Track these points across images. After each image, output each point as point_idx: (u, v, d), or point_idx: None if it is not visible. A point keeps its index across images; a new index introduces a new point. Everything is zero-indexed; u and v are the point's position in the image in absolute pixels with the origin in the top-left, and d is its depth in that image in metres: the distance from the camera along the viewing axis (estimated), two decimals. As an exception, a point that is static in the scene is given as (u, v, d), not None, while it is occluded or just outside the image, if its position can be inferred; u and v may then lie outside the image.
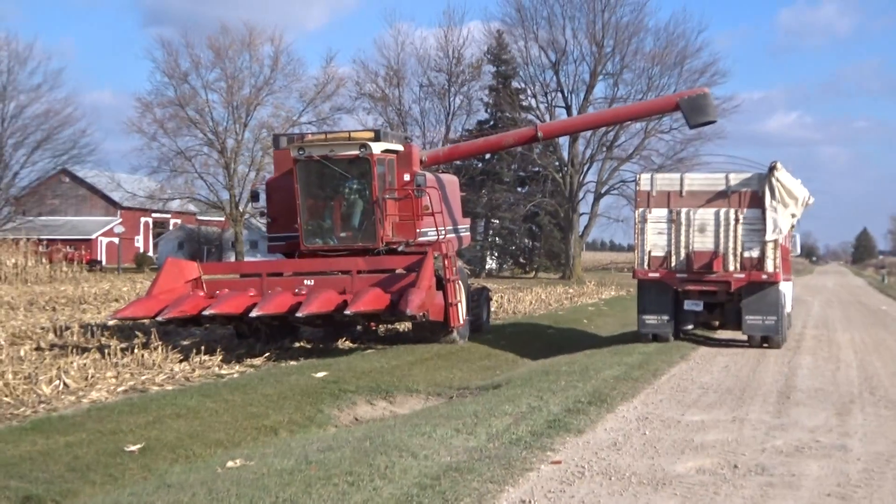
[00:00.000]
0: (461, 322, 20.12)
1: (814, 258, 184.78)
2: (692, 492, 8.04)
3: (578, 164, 66.42)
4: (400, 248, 20.50)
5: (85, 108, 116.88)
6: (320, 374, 15.56)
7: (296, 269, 19.87)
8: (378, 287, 18.21)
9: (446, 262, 19.42)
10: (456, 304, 19.56)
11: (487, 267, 71.33)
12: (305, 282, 18.95)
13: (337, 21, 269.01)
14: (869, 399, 13.27)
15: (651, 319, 19.67)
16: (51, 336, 21.36)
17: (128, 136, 78.06)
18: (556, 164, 67.18)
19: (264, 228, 23.93)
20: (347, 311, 17.15)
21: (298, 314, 17.19)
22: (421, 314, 17.71)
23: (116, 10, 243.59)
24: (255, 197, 26.48)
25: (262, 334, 20.27)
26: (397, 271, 19.08)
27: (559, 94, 67.13)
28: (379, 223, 19.95)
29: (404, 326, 22.61)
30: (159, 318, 17.95)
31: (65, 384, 14.41)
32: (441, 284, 19.18)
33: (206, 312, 17.85)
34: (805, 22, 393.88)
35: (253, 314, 17.48)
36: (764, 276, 18.59)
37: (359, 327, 21.73)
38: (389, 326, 22.93)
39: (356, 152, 19.69)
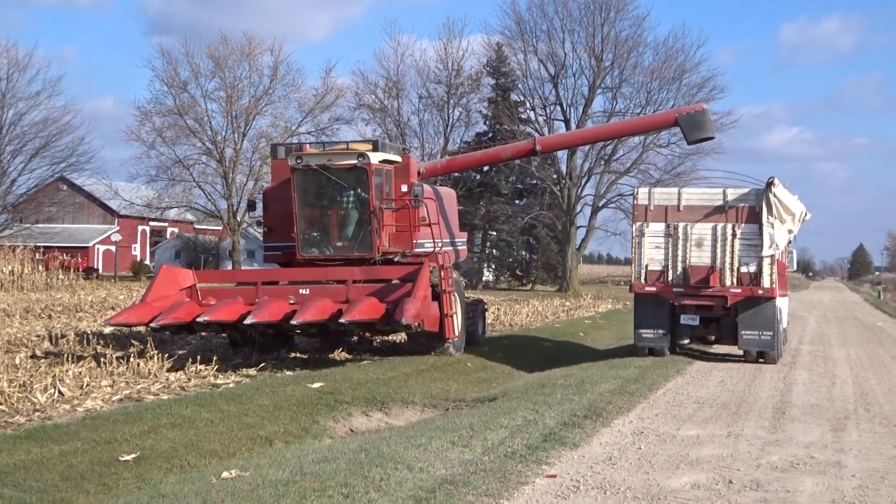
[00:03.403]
0: (456, 334, 20.12)
1: (810, 273, 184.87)
2: (687, 507, 8.04)
3: (576, 177, 66.47)
4: (396, 259, 20.49)
5: (84, 116, 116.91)
6: (316, 385, 15.54)
7: (291, 279, 19.88)
8: (374, 297, 18.21)
9: (442, 274, 19.43)
10: (451, 316, 19.58)
11: (484, 279, 71.29)
12: (301, 291, 18.95)
13: (341, 33, 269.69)
14: (864, 415, 13.28)
15: (647, 333, 19.68)
16: (46, 344, 21.32)
17: (126, 144, 77.94)
18: (555, 176, 67.22)
19: (261, 238, 23.94)
20: (342, 320, 17.16)
21: (293, 322, 17.20)
22: (416, 324, 17.68)
23: (120, 19, 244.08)
24: (251, 206, 26.50)
25: (257, 343, 20.25)
26: (393, 281, 19.07)
27: (558, 108, 67.31)
28: (375, 233, 19.94)
29: (399, 338, 22.59)
30: (153, 325, 17.95)
31: (60, 392, 14.38)
32: (437, 296, 19.20)
33: (199, 319, 17.85)
34: (807, 37, 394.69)
35: (247, 322, 17.48)
36: (760, 292, 18.61)
37: (354, 338, 21.72)
38: (385, 338, 22.91)
39: (354, 162, 19.70)
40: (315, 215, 20.59)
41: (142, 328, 20.71)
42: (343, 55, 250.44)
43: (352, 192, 20.25)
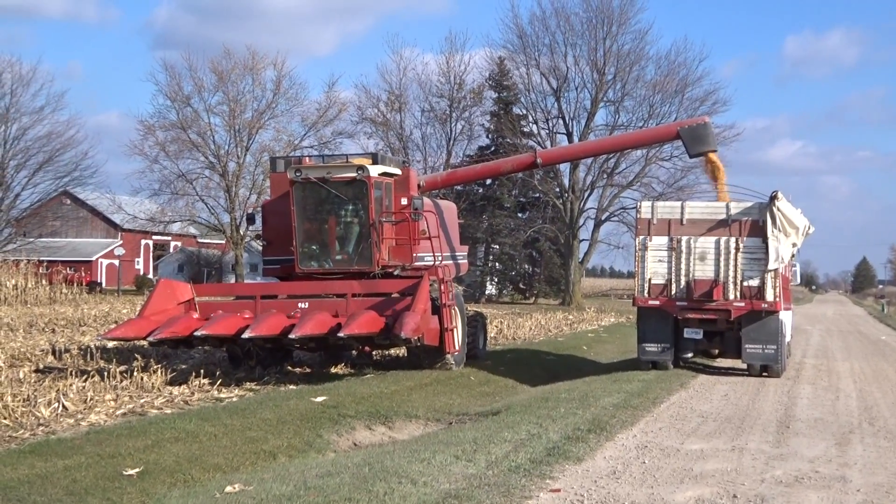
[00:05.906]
0: (456, 348, 20.06)
1: (813, 287, 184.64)
2: (691, 521, 8.02)
3: (579, 190, 66.49)
4: (396, 272, 20.41)
5: (88, 130, 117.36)
6: (319, 399, 15.53)
7: (290, 292, 19.82)
8: (373, 310, 18.17)
9: (442, 287, 19.35)
10: (451, 330, 19.50)
11: (487, 292, 71.27)
12: (300, 304, 18.88)
13: (345, 48, 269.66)
14: (868, 430, 13.26)
15: (651, 347, 19.66)
16: (50, 358, 21.34)
17: (130, 158, 77.73)
18: (557, 190, 67.25)
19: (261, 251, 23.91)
20: (341, 334, 17.07)
21: (291, 336, 17.10)
22: (415, 338, 17.59)
23: (126, 33, 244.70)
24: (251, 220, 26.46)
25: (257, 357, 20.19)
26: (393, 295, 19.02)
27: (560, 121, 67.34)
28: (375, 246, 19.90)
29: (400, 352, 22.53)
30: (150, 339, 17.87)
31: (63, 407, 14.39)
32: (437, 309, 19.13)
33: (197, 333, 17.77)
34: (811, 51, 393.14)
35: (245, 336, 17.41)
36: (764, 305, 18.59)
37: (353, 352, 21.65)
38: (385, 352, 22.86)
39: (353, 175, 19.66)
40: (314, 229, 20.51)
41: (144, 342, 20.74)
42: (347, 69, 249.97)
43: (351, 205, 20.19)
